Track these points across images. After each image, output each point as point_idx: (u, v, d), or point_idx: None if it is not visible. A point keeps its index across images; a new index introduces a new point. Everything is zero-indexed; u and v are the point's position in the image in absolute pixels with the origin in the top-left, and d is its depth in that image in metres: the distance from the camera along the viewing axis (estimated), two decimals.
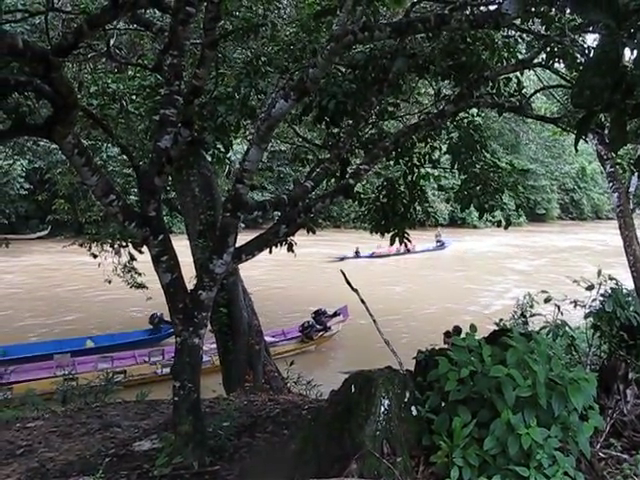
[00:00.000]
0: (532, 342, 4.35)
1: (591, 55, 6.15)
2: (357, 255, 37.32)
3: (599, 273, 6.14)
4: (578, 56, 6.64)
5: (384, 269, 33.81)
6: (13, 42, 3.43)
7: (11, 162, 14.40)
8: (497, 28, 5.71)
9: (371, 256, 37.43)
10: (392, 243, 7.51)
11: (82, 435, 6.39)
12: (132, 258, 13.63)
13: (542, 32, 6.75)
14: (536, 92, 8.54)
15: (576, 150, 4.00)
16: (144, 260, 9.40)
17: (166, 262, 5.01)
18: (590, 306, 6.38)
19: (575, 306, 6.45)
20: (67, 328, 19.45)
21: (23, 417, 7.46)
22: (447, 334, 11.19)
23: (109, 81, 7.73)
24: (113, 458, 5.39)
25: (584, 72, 2.71)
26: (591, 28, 6.48)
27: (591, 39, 21.46)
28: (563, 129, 8.42)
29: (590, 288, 6.25)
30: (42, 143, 13.57)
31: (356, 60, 6.25)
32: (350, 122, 6.41)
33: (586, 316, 6.42)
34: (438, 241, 43.72)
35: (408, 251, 38.85)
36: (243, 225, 5.32)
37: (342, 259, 35.49)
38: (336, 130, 6.76)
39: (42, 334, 18.86)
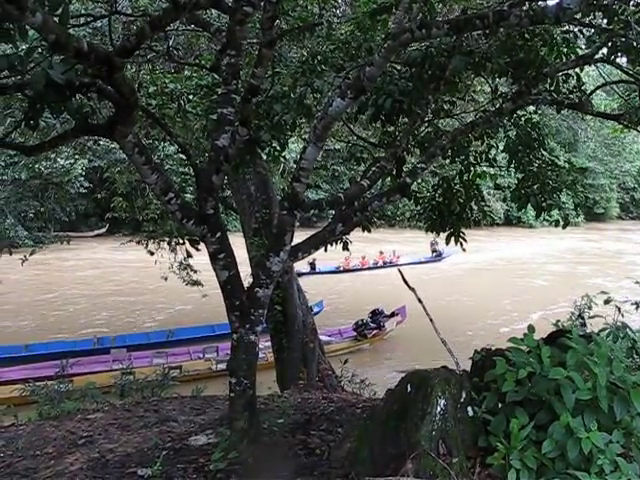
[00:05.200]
0: (592, 344, 4.26)
1: None
2: (312, 269, 30.62)
3: None
4: None
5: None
6: (79, 45, 3.52)
7: (72, 161, 14.75)
8: (557, 23, 5.60)
9: (337, 271, 31.90)
10: (447, 243, 7.43)
11: (140, 428, 6.52)
12: (189, 255, 13.83)
13: (604, 26, 6.57)
14: (598, 88, 8.31)
15: None
16: (199, 257, 9.55)
17: (223, 260, 5.08)
18: None
19: (637, 308, 6.30)
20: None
21: (84, 409, 7.65)
22: None
23: (167, 81, 7.86)
24: (170, 452, 5.49)
25: None
26: None
27: None
28: (625, 126, 8.18)
29: None
30: (102, 143, 13.87)
31: (412, 58, 6.20)
32: (406, 120, 6.38)
33: None
34: (434, 251, 36.93)
35: (390, 264, 33.95)
36: (297, 223, 5.35)
37: (299, 275, 30.39)
38: (392, 128, 6.74)
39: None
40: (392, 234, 45.66)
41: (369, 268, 33.51)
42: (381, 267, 34.15)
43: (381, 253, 34.66)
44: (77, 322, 21.67)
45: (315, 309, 22.15)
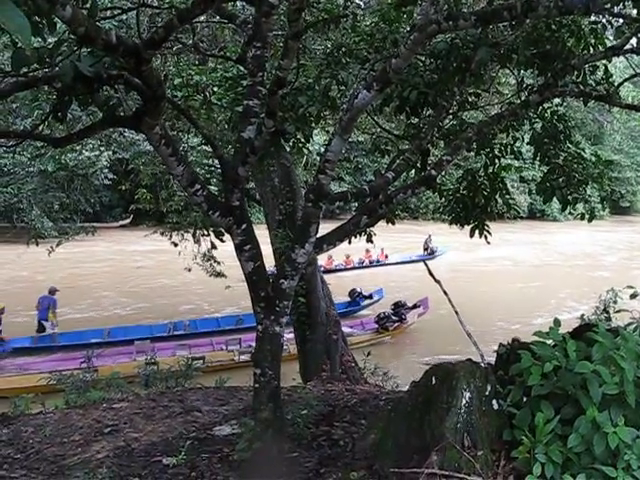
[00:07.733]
0: (619, 338, 4.22)
1: None
2: None
3: None
4: None
5: None
6: (108, 38, 3.55)
7: (97, 153, 14.91)
8: (587, 14, 5.52)
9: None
10: (472, 235, 7.38)
11: (164, 418, 6.60)
12: (213, 246, 13.91)
13: (634, 16, 6.47)
14: (627, 80, 8.18)
15: None
16: (223, 248, 9.59)
17: (249, 251, 5.10)
18: None
19: None
20: None
21: (109, 398, 7.76)
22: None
23: (192, 73, 7.88)
24: (194, 441, 5.56)
25: None
26: None
27: None
28: None
29: None
30: (126, 134, 13.99)
31: (438, 50, 6.17)
32: (431, 112, 6.35)
33: None
34: (426, 248, 35.16)
35: (377, 263, 32.09)
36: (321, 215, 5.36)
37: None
38: (416, 120, 6.70)
39: None
40: (416, 225, 45.29)
41: (354, 268, 31.00)
42: (367, 267, 31.91)
43: (367, 251, 31.07)
44: (180, 307, 22.93)
45: (376, 297, 22.32)
